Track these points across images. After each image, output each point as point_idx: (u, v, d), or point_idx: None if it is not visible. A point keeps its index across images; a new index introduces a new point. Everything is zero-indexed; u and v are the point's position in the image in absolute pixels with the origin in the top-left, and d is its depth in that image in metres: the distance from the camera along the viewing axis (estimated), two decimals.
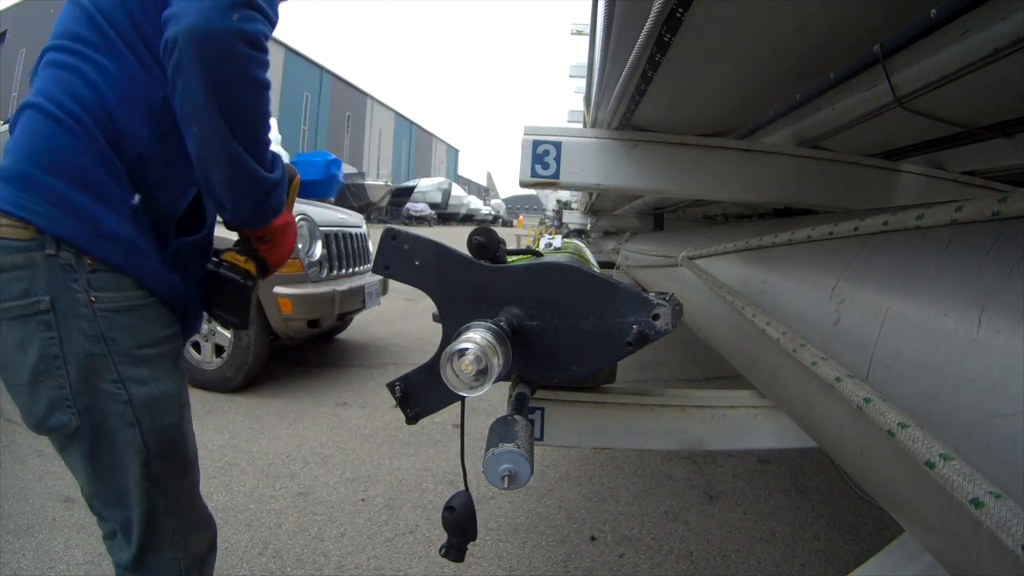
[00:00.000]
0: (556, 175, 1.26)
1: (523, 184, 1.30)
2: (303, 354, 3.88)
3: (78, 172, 0.78)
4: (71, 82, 0.79)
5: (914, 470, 0.52)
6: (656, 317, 0.68)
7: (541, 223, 15.52)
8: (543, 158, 1.25)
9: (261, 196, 0.85)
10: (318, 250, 3.13)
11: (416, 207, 26.93)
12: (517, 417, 0.67)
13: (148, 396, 0.83)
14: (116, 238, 0.79)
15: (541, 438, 1.19)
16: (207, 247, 0.97)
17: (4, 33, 23.91)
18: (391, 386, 0.79)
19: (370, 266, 2.48)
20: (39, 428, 0.80)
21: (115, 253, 0.80)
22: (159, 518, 0.87)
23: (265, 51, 0.79)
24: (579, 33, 4.90)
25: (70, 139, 0.77)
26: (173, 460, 0.87)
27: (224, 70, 0.74)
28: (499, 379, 0.62)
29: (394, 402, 0.79)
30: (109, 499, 0.86)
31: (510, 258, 0.85)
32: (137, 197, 0.82)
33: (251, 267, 0.95)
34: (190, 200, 0.93)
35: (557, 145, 1.25)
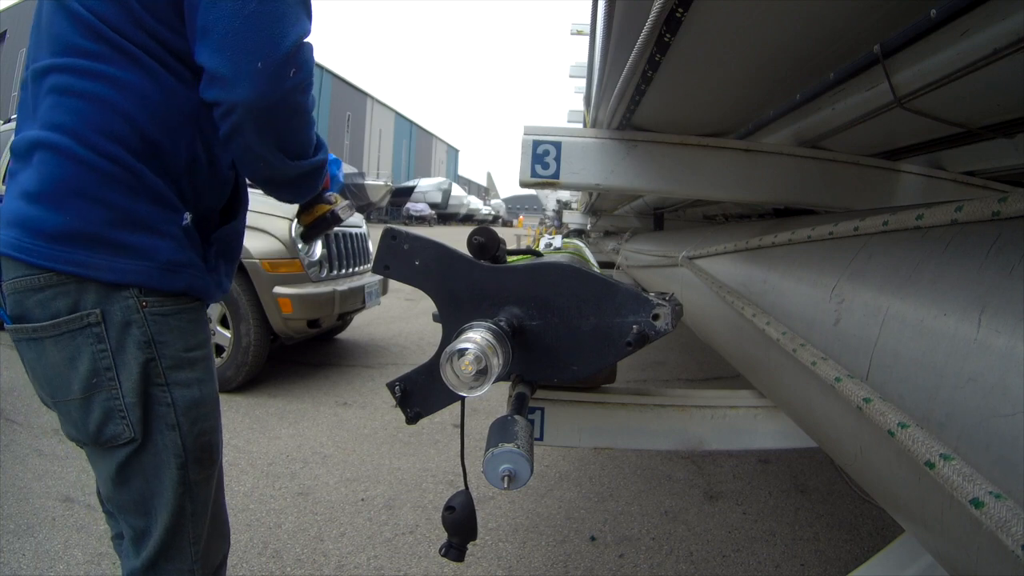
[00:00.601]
0: (556, 175, 1.26)
1: (523, 184, 1.30)
2: (303, 354, 3.88)
3: (125, 213, 0.75)
4: (91, 112, 0.73)
5: (914, 470, 0.52)
6: (656, 317, 0.68)
7: (541, 223, 15.51)
8: (543, 158, 1.25)
9: (323, 172, 0.92)
10: (318, 250, 3.13)
11: (416, 207, 26.93)
12: (517, 417, 0.67)
13: (191, 399, 0.82)
14: (177, 266, 0.79)
15: (541, 438, 1.19)
16: (240, 233, 0.99)
17: (4, 33, 23.90)
18: (391, 386, 0.79)
19: (370, 266, 2.48)
20: (94, 441, 0.79)
21: (178, 281, 0.80)
22: (184, 525, 0.85)
23: (312, 79, 0.81)
24: (579, 33, 4.90)
25: (108, 182, 0.73)
26: (207, 465, 0.86)
27: (285, 123, 0.77)
28: (499, 379, 0.62)
29: (394, 402, 0.79)
30: (129, 505, 0.84)
31: (510, 258, 0.85)
32: (188, 216, 0.81)
33: (337, 199, 1.14)
34: (232, 188, 0.94)
35: (557, 145, 1.25)
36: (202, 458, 0.85)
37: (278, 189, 0.89)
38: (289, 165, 0.82)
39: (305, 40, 0.76)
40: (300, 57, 0.74)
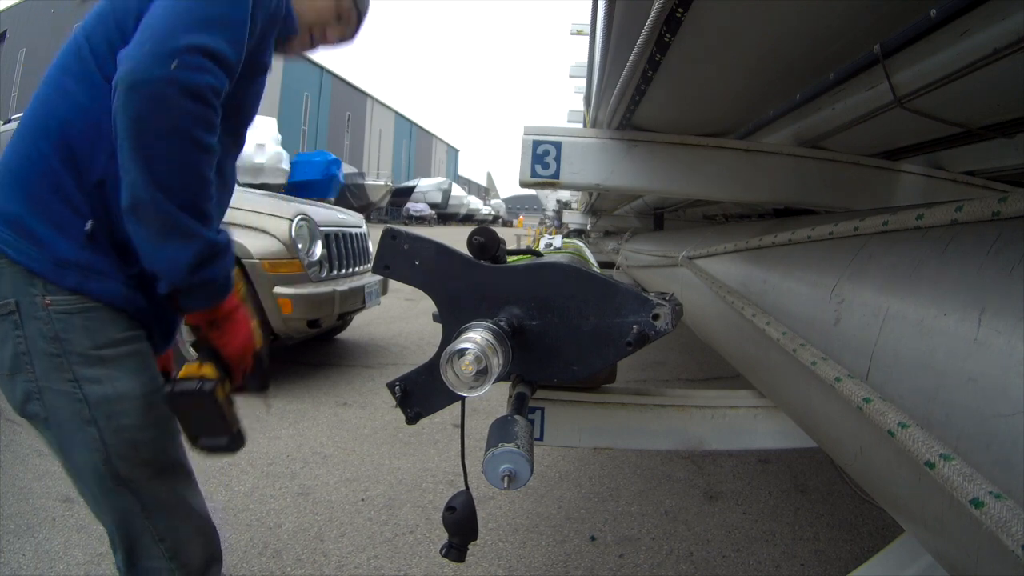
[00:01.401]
0: (556, 175, 1.26)
1: (523, 184, 1.30)
2: (303, 354, 3.88)
3: (41, 204, 0.82)
4: (43, 114, 0.84)
5: (914, 470, 0.52)
6: (656, 317, 0.68)
7: (541, 223, 15.52)
8: (543, 158, 1.25)
9: (198, 256, 0.79)
10: (318, 250, 3.13)
11: (416, 207, 26.93)
12: (517, 417, 0.67)
13: (102, 395, 0.84)
14: (70, 264, 0.82)
15: (541, 438, 1.19)
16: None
17: (4, 33, 23.90)
18: (391, 386, 0.79)
19: (370, 266, 2.48)
20: (22, 414, 0.86)
21: (67, 279, 0.82)
22: (136, 521, 0.88)
23: (212, 106, 0.76)
24: (579, 33, 4.90)
25: (37, 173, 0.82)
26: (140, 463, 0.87)
27: (154, 121, 0.73)
28: (499, 379, 0.62)
29: (394, 402, 0.79)
30: (88, 500, 0.90)
31: (510, 258, 0.85)
32: (90, 223, 0.83)
33: (207, 370, 0.86)
34: None
35: (557, 145, 1.25)
36: (128, 455, 0.85)
37: (137, 222, 0.77)
38: (154, 195, 0.74)
39: (211, 53, 0.75)
40: (192, 59, 0.73)
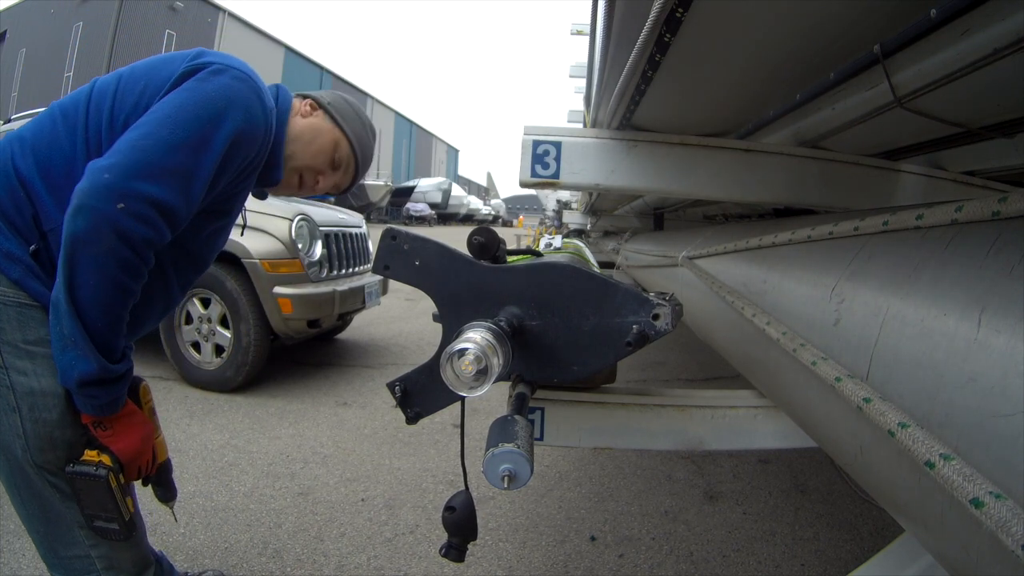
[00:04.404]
0: (556, 175, 1.26)
1: (523, 184, 1.30)
2: (303, 354, 3.88)
3: (1, 207, 0.89)
4: (29, 136, 0.92)
5: (914, 470, 0.52)
6: (656, 317, 0.68)
7: (541, 223, 15.51)
8: (543, 158, 1.25)
9: (88, 376, 0.84)
10: (318, 250, 3.13)
11: (416, 207, 26.92)
12: (517, 417, 0.67)
13: (28, 387, 0.88)
14: (16, 259, 0.88)
15: (541, 438, 1.19)
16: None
17: (4, 33, 23.90)
18: (391, 386, 0.79)
19: (370, 266, 2.48)
20: None
21: (14, 270, 0.88)
22: (53, 508, 0.94)
23: (142, 257, 0.83)
24: (579, 33, 4.90)
25: (5, 180, 0.89)
26: (55, 459, 0.92)
27: (85, 249, 0.79)
28: (499, 379, 0.62)
29: (394, 402, 0.79)
30: (9, 486, 0.94)
31: (510, 258, 0.85)
32: (34, 247, 0.90)
33: (105, 458, 0.91)
34: None
35: (557, 145, 1.25)
36: (44, 447, 0.90)
37: (53, 317, 0.83)
38: (69, 308, 0.80)
39: (158, 204, 0.82)
40: (136, 207, 0.81)
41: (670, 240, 2.14)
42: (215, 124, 0.87)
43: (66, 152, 0.90)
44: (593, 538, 1.83)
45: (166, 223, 0.85)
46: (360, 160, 1.12)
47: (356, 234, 3.58)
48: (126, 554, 1.02)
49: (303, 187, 1.09)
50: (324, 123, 1.07)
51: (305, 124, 1.06)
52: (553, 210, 10.59)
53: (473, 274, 0.75)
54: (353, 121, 1.10)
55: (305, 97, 1.10)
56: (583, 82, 3.46)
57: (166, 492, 1.15)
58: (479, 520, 0.72)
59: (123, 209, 0.79)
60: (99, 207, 0.78)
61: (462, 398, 0.71)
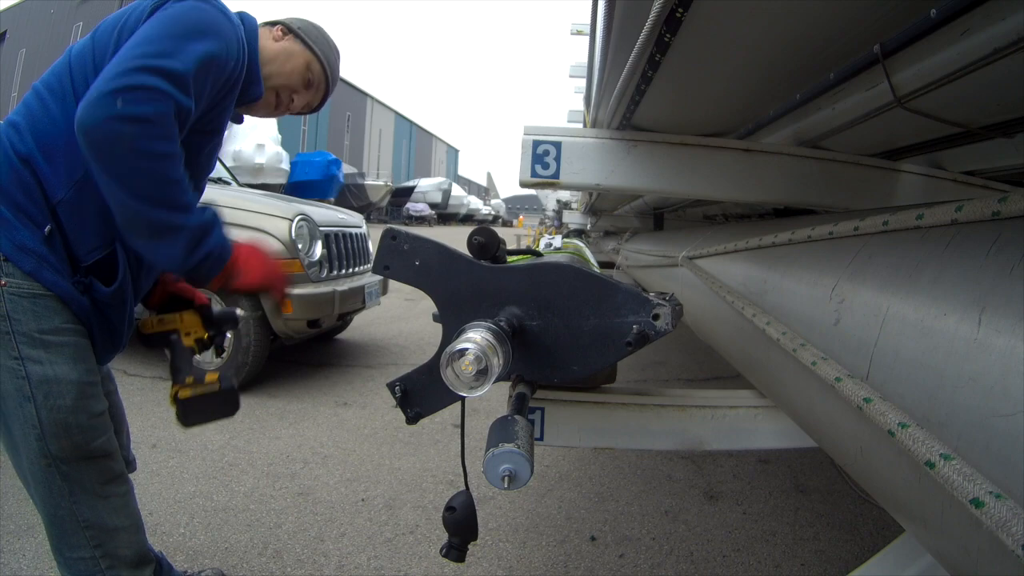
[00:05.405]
0: (556, 175, 1.26)
1: (523, 184, 1.30)
2: (303, 354, 3.88)
3: (9, 195, 0.91)
4: (21, 120, 0.94)
5: (914, 470, 0.52)
6: (656, 317, 0.68)
7: (541, 223, 15.51)
8: (543, 158, 1.25)
9: (189, 242, 0.90)
10: (318, 250, 3.13)
11: (416, 207, 26.92)
12: (517, 417, 0.67)
13: (43, 375, 0.92)
14: (29, 251, 0.91)
15: (541, 438, 1.19)
16: (121, 301, 1.03)
17: (4, 33, 23.91)
18: (391, 386, 0.79)
19: (370, 266, 2.48)
20: None
21: (27, 262, 0.91)
22: (62, 502, 0.96)
23: (159, 123, 0.85)
24: (579, 33, 4.89)
25: (8, 167, 0.91)
26: (70, 445, 0.95)
27: (115, 152, 0.82)
28: (499, 379, 0.62)
29: (394, 402, 0.79)
30: (21, 476, 0.97)
31: (510, 258, 0.85)
32: (48, 227, 0.92)
33: (174, 321, 1.00)
34: (101, 257, 0.99)
35: (557, 145, 1.25)
36: (59, 433, 0.94)
37: (133, 234, 0.90)
38: (138, 207, 0.85)
39: (159, 70, 0.84)
40: (134, 94, 0.82)
41: (670, 240, 2.14)
42: (192, 38, 0.90)
43: (59, 123, 0.93)
44: (593, 538, 1.83)
45: (174, 85, 0.85)
46: (330, 78, 1.19)
47: (356, 234, 3.58)
48: (127, 551, 1.04)
49: (279, 106, 1.16)
50: (295, 46, 1.14)
51: (279, 47, 1.12)
52: (553, 210, 10.60)
53: (473, 274, 0.74)
54: (322, 43, 1.17)
55: (275, 24, 1.16)
56: (583, 82, 3.46)
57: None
58: (479, 520, 0.72)
59: (123, 102, 0.81)
60: (98, 118, 0.80)
61: (462, 398, 0.71)
